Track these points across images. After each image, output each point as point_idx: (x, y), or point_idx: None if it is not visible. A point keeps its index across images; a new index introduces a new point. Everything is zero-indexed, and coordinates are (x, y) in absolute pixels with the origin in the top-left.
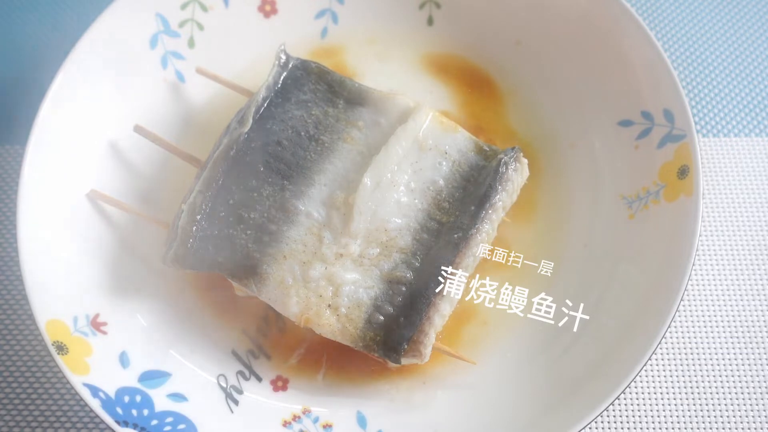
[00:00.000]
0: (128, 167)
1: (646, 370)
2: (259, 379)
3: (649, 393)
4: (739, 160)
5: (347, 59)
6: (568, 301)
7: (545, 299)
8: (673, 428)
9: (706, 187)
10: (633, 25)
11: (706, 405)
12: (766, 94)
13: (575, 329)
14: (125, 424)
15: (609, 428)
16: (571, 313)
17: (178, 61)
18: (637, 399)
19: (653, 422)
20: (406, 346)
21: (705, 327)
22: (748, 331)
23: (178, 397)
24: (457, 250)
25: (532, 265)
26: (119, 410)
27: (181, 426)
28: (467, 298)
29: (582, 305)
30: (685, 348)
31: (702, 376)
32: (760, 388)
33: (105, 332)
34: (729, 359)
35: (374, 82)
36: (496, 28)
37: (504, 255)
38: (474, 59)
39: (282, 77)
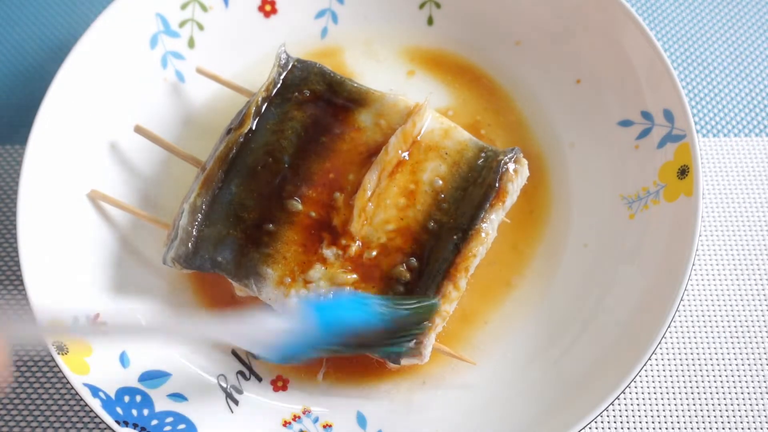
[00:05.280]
0: (128, 167)
1: (646, 370)
2: (259, 379)
3: (649, 393)
4: (739, 160)
5: (347, 59)
6: (567, 300)
7: (545, 299)
8: (673, 428)
9: (706, 187)
10: (633, 25)
11: (706, 405)
12: (766, 94)
13: (575, 329)
14: (125, 424)
15: (609, 428)
16: (571, 312)
17: (178, 61)
18: (637, 399)
19: (653, 422)
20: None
21: (705, 327)
22: (748, 331)
23: (178, 397)
24: (457, 250)
25: (531, 265)
26: (119, 410)
27: (181, 426)
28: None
29: (583, 305)
30: (685, 348)
31: (702, 376)
32: (760, 388)
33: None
34: (729, 359)
35: (374, 82)
36: (496, 28)
37: (504, 255)
38: (474, 59)
39: (282, 77)
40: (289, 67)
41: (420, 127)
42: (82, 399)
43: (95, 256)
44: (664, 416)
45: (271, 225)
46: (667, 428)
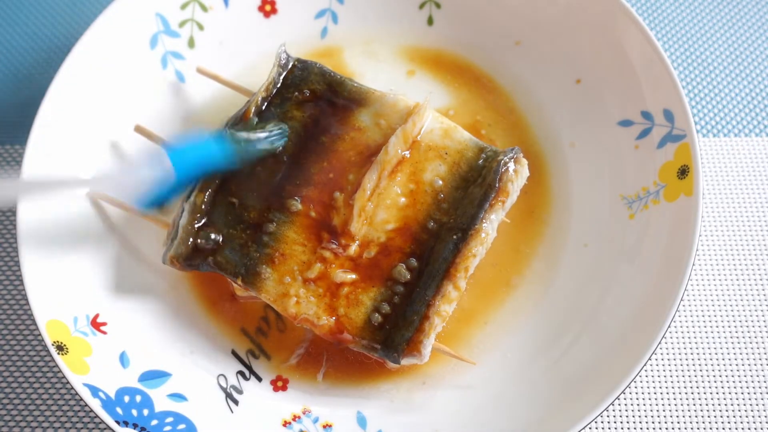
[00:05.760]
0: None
1: (646, 370)
2: (259, 379)
3: (649, 393)
4: (739, 160)
5: (347, 59)
6: (568, 301)
7: (545, 299)
8: (673, 428)
9: (706, 187)
10: (633, 25)
11: (706, 405)
12: (766, 94)
13: (575, 329)
14: (125, 424)
15: (609, 428)
16: (572, 313)
17: (178, 61)
18: (637, 399)
19: (653, 422)
20: (405, 347)
21: (705, 327)
22: (748, 331)
23: (178, 397)
24: (457, 250)
25: (531, 266)
26: (119, 410)
27: (181, 426)
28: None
29: (583, 305)
30: (685, 348)
31: (702, 376)
32: (760, 388)
33: (105, 332)
34: (729, 359)
35: (374, 82)
36: (496, 28)
37: (504, 255)
38: (474, 59)
39: (282, 77)
40: (289, 66)
41: (420, 126)
42: (82, 399)
43: (95, 255)
44: (664, 416)
45: (270, 224)
46: (667, 428)
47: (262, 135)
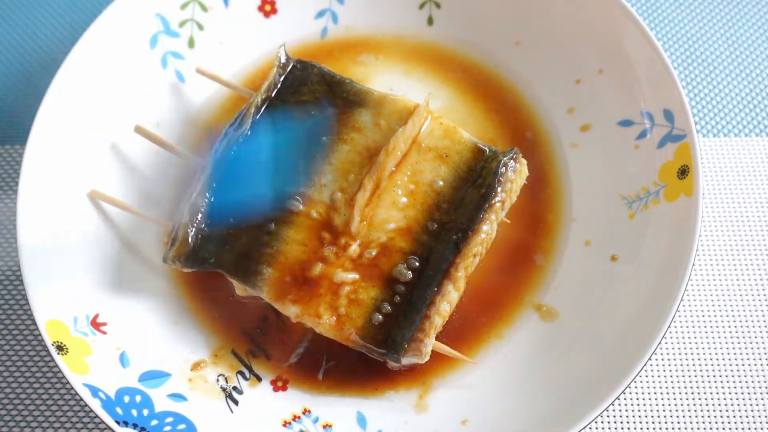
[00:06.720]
0: (128, 167)
1: (646, 370)
2: (259, 379)
3: (649, 393)
4: (739, 160)
5: (347, 59)
6: (568, 300)
7: (545, 299)
8: (673, 428)
9: (706, 187)
10: (633, 25)
11: (706, 405)
12: (766, 94)
13: (575, 329)
14: (125, 424)
15: (609, 428)
16: (572, 312)
17: (178, 61)
18: (637, 399)
19: (653, 422)
20: (406, 346)
21: (705, 327)
22: (748, 331)
23: (178, 397)
24: (457, 250)
25: (532, 265)
26: (119, 410)
27: (181, 426)
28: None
29: (583, 305)
30: (685, 348)
31: (702, 376)
32: (760, 388)
33: (105, 332)
34: (729, 359)
35: (374, 82)
36: (496, 28)
37: (504, 255)
38: (474, 59)
39: (282, 78)
40: (289, 67)
41: (420, 127)
42: (82, 399)
43: (96, 255)
44: (664, 416)
45: (271, 224)
46: (667, 428)
47: None
